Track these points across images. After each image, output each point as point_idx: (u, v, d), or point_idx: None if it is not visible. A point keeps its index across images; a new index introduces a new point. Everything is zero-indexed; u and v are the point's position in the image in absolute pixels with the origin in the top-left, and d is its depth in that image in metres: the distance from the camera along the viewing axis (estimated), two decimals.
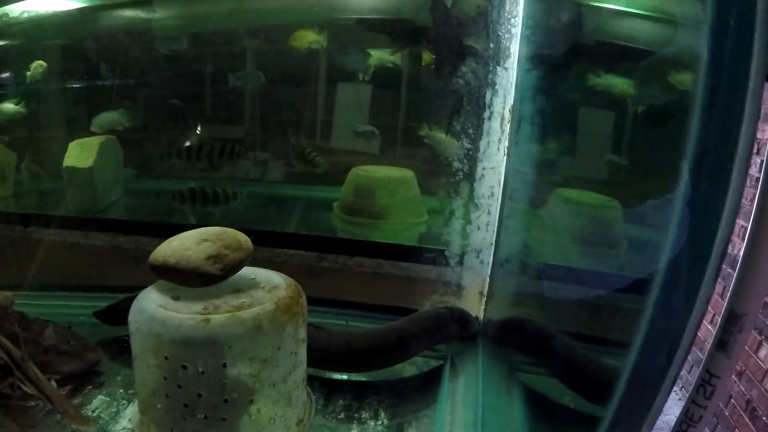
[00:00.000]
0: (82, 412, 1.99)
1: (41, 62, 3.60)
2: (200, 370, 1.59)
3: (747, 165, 1.06)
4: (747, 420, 4.31)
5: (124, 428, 2.01)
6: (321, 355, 2.25)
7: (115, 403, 2.15)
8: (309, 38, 3.71)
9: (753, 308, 1.18)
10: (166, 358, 1.59)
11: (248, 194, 3.58)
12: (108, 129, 3.56)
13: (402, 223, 3.54)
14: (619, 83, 2.45)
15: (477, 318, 2.83)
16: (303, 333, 1.81)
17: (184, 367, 1.59)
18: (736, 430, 4.39)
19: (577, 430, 2.15)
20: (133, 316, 1.69)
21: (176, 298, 1.68)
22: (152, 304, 1.66)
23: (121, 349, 2.45)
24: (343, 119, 4.03)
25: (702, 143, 1.13)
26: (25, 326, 2.12)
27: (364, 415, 2.23)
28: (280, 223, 3.71)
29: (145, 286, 1.82)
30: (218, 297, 1.70)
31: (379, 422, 2.20)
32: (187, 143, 3.68)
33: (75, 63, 3.76)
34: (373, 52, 3.78)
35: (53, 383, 1.96)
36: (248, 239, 1.80)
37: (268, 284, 1.81)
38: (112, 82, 3.74)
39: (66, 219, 3.29)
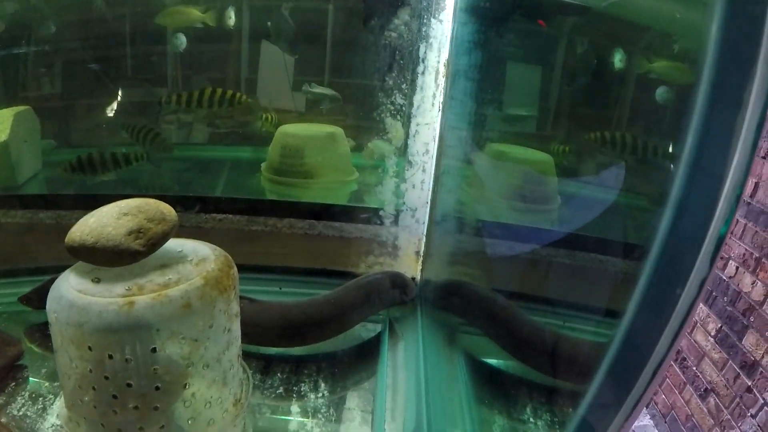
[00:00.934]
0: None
1: None
2: (127, 357, 1.47)
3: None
4: (677, 369, 4.43)
5: (52, 425, 1.89)
6: (254, 330, 2.16)
7: (41, 399, 2.03)
8: (190, 16, 3.48)
9: None
10: (90, 348, 1.47)
11: (167, 158, 3.44)
12: None
13: (332, 181, 3.46)
14: (557, 38, 2.41)
15: (414, 279, 2.78)
16: (236, 307, 1.71)
17: (110, 356, 1.47)
18: (667, 378, 4.50)
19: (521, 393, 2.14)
20: (50, 305, 1.55)
21: (97, 281, 1.55)
22: (71, 289, 1.52)
23: (47, 336, 2.31)
24: (268, 77, 3.88)
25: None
26: None
27: (304, 387, 2.17)
28: (207, 187, 3.59)
29: (70, 264, 1.68)
30: (142, 275, 1.57)
31: (320, 394, 2.14)
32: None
33: None
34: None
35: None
36: (172, 210, 1.66)
37: (196, 257, 1.69)
38: (27, 49, 3.49)
39: None
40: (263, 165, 3.52)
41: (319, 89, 3.69)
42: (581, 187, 2.79)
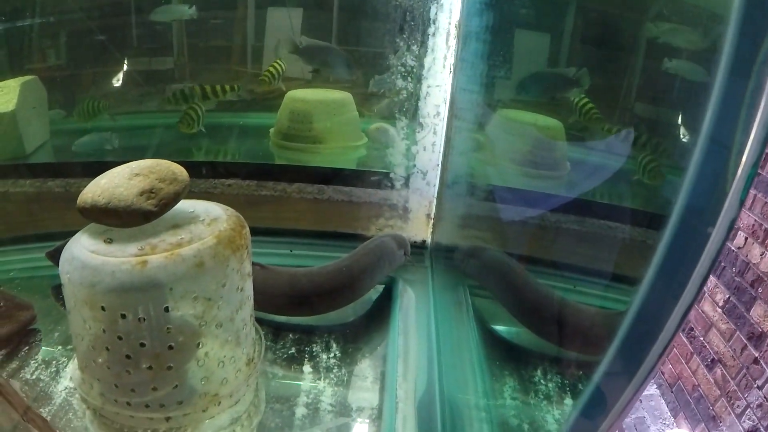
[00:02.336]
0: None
1: None
2: (141, 317, 1.47)
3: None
4: (685, 340, 4.42)
5: (65, 388, 1.90)
6: (265, 298, 2.16)
7: (55, 362, 2.04)
8: None
9: None
10: (103, 308, 1.47)
11: None
12: None
13: (341, 146, 3.44)
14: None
15: (424, 242, 2.78)
16: (248, 267, 1.71)
17: (123, 316, 1.47)
18: (675, 348, 4.50)
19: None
20: (63, 266, 1.54)
21: (109, 242, 1.54)
22: (83, 250, 1.51)
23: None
24: (275, 44, 3.85)
25: None
26: None
27: (316, 348, 2.17)
28: (215, 153, 3.58)
29: (77, 229, 1.68)
30: (155, 235, 1.57)
31: (332, 355, 2.15)
32: None
33: None
34: None
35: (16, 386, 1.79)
36: (184, 170, 1.65)
37: (208, 217, 1.68)
38: (32, 21, 3.47)
39: None
40: (272, 130, 3.51)
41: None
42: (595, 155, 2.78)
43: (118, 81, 3.68)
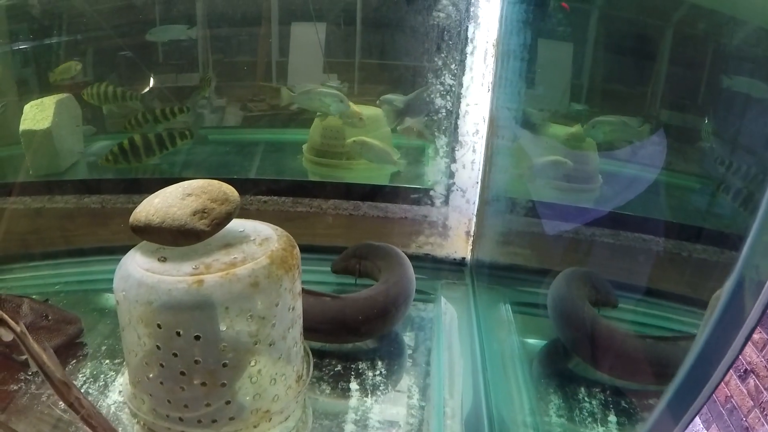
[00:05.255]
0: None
1: None
2: (196, 335, 1.49)
3: None
4: None
5: (114, 402, 1.93)
6: (347, 326, 2.21)
7: (102, 375, 2.07)
8: None
9: None
10: (159, 326, 1.49)
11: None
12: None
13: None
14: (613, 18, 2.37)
15: (464, 259, 2.79)
16: (299, 286, 1.73)
17: (179, 334, 1.49)
18: None
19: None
20: (118, 283, 1.57)
21: (163, 260, 1.57)
22: (138, 268, 1.54)
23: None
24: (299, 60, 3.88)
25: None
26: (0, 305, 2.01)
27: (362, 366, 2.18)
28: (247, 170, 3.61)
29: (116, 245, 1.70)
30: (208, 255, 1.59)
31: (377, 372, 2.16)
32: None
33: (20, 23, 3.52)
34: None
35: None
36: (234, 190, 1.68)
37: (258, 237, 1.71)
38: (59, 39, 3.54)
39: (27, 184, 3.12)
40: (305, 146, 3.53)
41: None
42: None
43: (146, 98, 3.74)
